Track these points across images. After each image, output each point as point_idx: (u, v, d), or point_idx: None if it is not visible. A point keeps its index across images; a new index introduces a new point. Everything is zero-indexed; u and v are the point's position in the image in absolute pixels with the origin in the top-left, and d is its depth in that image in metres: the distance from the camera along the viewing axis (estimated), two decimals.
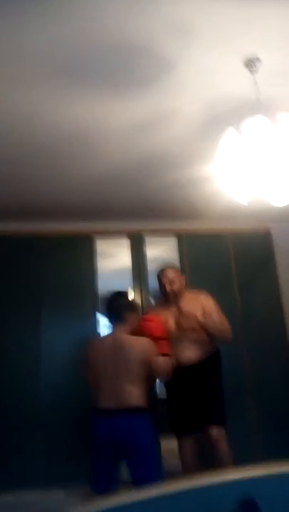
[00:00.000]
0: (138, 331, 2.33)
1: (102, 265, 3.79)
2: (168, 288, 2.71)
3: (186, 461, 2.52)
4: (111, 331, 2.38)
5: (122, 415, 2.07)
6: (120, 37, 1.77)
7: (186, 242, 3.89)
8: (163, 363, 2.22)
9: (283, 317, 3.85)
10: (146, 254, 3.82)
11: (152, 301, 3.80)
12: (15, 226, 3.68)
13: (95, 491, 2.10)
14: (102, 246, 3.81)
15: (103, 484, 2.10)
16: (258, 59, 1.94)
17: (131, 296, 2.75)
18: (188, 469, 2.48)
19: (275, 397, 3.58)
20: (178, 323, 2.65)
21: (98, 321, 3.62)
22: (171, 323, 2.64)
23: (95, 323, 3.58)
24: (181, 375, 2.50)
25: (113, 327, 2.37)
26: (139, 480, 2.06)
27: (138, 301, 3.71)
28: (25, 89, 2.06)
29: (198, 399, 2.53)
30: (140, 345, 2.23)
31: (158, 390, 2.99)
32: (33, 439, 3.26)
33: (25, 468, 3.20)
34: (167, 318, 2.65)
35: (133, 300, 2.60)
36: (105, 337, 2.41)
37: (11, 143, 2.53)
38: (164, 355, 2.27)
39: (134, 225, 3.91)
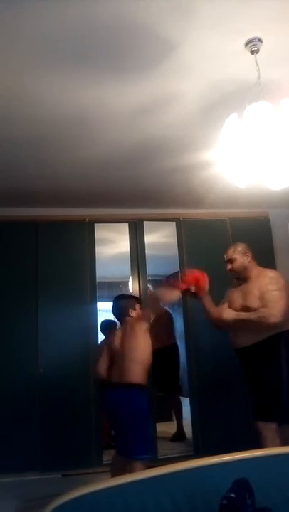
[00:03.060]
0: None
1: (101, 251, 3.79)
2: (227, 267, 2.67)
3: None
4: (121, 326, 2.69)
5: (117, 389, 2.39)
6: (120, 18, 1.73)
7: (185, 228, 3.88)
8: (166, 291, 2.56)
9: None
10: (144, 240, 3.82)
11: (150, 287, 3.81)
12: (13, 212, 3.67)
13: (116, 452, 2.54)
14: (100, 232, 3.80)
15: (119, 448, 2.49)
16: (259, 40, 1.90)
17: (128, 294, 2.91)
18: None
19: None
20: (241, 304, 2.59)
21: (96, 307, 3.64)
22: (237, 302, 2.59)
23: (93, 309, 3.60)
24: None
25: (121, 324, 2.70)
26: (118, 448, 2.50)
27: (136, 286, 3.72)
28: (23, 72, 2.02)
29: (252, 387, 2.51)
30: (134, 327, 2.49)
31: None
32: (31, 424, 3.30)
33: (24, 452, 3.25)
34: (235, 298, 2.63)
35: (129, 299, 2.75)
36: (117, 330, 2.72)
37: (8, 127, 2.49)
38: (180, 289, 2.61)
39: (133, 211, 3.91)
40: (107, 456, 3.35)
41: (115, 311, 2.68)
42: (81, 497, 1.10)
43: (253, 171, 1.92)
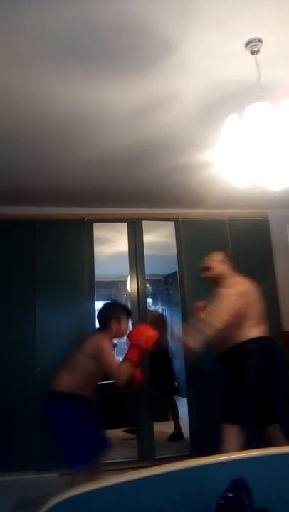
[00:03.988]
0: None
1: (100, 250, 3.79)
2: (202, 275, 2.71)
3: None
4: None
5: (49, 397, 2.34)
6: (121, 17, 1.73)
7: (184, 228, 3.88)
8: (115, 366, 2.27)
9: (278, 302, 3.90)
10: (143, 240, 3.82)
11: (149, 287, 3.82)
12: (12, 210, 3.66)
13: None
14: (99, 231, 3.80)
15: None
16: (259, 40, 1.90)
17: (118, 305, 2.71)
18: None
19: None
20: None
21: (95, 306, 3.63)
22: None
23: (91, 308, 3.59)
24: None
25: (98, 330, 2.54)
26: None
27: (134, 285, 3.72)
28: (24, 70, 2.02)
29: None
30: (92, 341, 2.40)
31: None
32: (28, 422, 3.29)
33: (21, 451, 3.24)
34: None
35: (119, 308, 2.56)
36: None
37: (8, 125, 2.49)
38: (128, 360, 2.30)
39: (131, 211, 3.91)
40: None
41: (99, 314, 2.55)
42: (78, 496, 1.10)
43: (252, 172, 1.92)
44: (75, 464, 2.21)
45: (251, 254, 3.90)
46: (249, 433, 2.30)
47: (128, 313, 2.57)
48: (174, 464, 1.17)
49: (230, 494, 0.95)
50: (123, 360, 2.32)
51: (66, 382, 2.32)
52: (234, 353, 2.46)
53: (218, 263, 2.69)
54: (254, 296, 2.54)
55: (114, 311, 2.52)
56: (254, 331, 2.46)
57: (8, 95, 2.21)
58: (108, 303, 2.73)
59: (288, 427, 2.48)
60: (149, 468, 1.18)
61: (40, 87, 2.16)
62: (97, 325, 2.53)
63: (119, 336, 2.48)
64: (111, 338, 2.42)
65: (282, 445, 2.24)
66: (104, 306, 2.61)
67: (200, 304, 2.78)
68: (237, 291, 2.49)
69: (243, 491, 0.96)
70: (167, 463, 1.17)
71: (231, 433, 2.29)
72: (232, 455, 1.16)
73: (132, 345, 2.34)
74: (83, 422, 2.31)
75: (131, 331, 2.51)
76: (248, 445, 2.13)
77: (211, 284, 2.68)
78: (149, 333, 2.37)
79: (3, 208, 3.64)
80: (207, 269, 2.70)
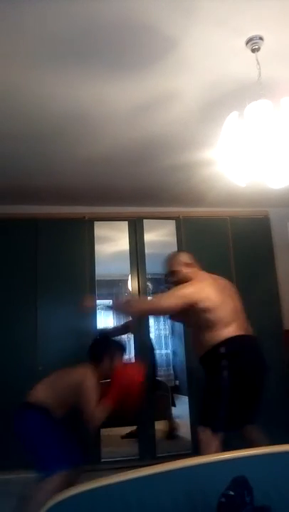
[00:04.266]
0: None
1: (101, 249, 3.79)
2: (169, 280, 2.57)
3: None
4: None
5: (20, 408, 2.31)
6: (122, 15, 1.73)
7: (185, 226, 3.88)
8: (92, 406, 2.19)
9: (279, 300, 3.89)
10: (144, 238, 3.81)
11: (150, 286, 3.81)
12: (13, 209, 3.66)
13: None
14: (100, 230, 3.79)
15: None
16: (260, 38, 1.90)
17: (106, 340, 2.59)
18: None
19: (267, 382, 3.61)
20: None
21: (96, 306, 3.63)
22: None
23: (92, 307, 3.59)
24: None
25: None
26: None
27: (135, 284, 3.72)
28: (25, 69, 2.02)
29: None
30: (79, 372, 2.32)
31: None
32: None
33: (23, 450, 3.25)
34: None
35: (110, 346, 2.48)
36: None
37: (9, 123, 2.49)
38: (107, 403, 2.22)
39: (132, 209, 3.91)
40: (106, 454, 3.36)
41: (93, 348, 2.46)
42: (80, 494, 1.10)
43: (253, 170, 1.92)
44: (47, 468, 2.14)
45: (252, 252, 3.89)
46: (225, 435, 2.27)
47: (123, 352, 2.47)
48: (175, 462, 1.18)
49: (231, 492, 0.95)
50: (102, 400, 2.21)
51: (40, 396, 2.28)
52: (210, 355, 2.38)
53: (183, 266, 2.54)
54: (224, 293, 2.43)
55: (109, 347, 2.43)
56: (226, 331, 2.34)
57: (10, 94, 2.21)
58: (104, 337, 2.61)
59: (288, 427, 2.48)
60: (151, 467, 1.18)
61: (42, 86, 2.16)
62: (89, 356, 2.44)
63: (108, 374, 2.36)
64: (99, 375, 2.33)
65: (263, 445, 2.22)
66: (100, 341, 2.51)
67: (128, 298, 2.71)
68: (196, 287, 2.40)
69: (244, 489, 0.96)
70: (168, 461, 1.17)
71: (205, 436, 2.27)
72: (233, 453, 1.17)
73: (116, 387, 2.22)
74: (54, 432, 2.24)
75: (119, 371, 2.34)
76: (228, 446, 2.10)
77: None
78: (138, 379, 2.25)
79: (5, 206, 3.64)
80: (171, 274, 2.55)
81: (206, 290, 2.39)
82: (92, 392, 2.22)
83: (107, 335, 2.64)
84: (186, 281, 2.45)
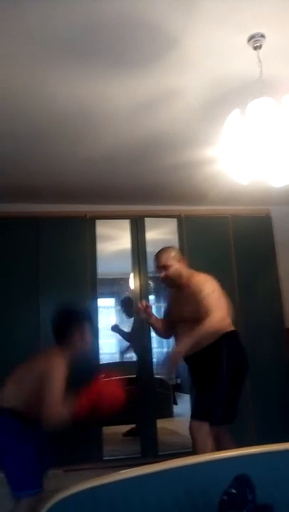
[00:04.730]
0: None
1: (102, 248, 3.79)
2: (160, 275, 2.55)
3: None
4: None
5: None
6: (124, 13, 1.72)
7: (187, 225, 3.87)
8: (55, 398, 1.89)
9: (281, 299, 3.89)
10: (145, 237, 3.81)
11: (151, 284, 3.81)
12: (14, 207, 3.66)
13: None
14: (101, 228, 3.79)
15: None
16: (262, 36, 1.89)
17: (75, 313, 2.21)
18: None
19: (269, 380, 3.62)
20: (175, 312, 2.58)
21: (97, 304, 3.64)
22: (175, 315, 2.56)
23: (94, 306, 3.59)
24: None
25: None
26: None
27: (137, 282, 3.72)
28: (27, 67, 2.01)
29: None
30: (45, 359, 2.05)
31: None
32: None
33: None
34: (173, 311, 2.60)
35: (76, 318, 2.14)
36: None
37: (10, 122, 2.49)
38: (77, 406, 1.91)
39: (134, 208, 3.90)
40: (108, 452, 3.37)
41: (56, 326, 2.13)
42: (82, 492, 1.10)
43: (255, 168, 1.91)
44: (18, 488, 1.90)
45: (254, 250, 3.89)
46: (217, 430, 2.29)
47: (90, 320, 2.18)
48: (176, 460, 1.18)
49: (233, 490, 0.95)
50: (71, 399, 1.91)
51: (10, 398, 1.99)
52: (211, 350, 2.36)
53: (175, 261, 2.53)
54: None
55: (75, 320, 2.11)
56: (227, 324, 2.40)
57: (11, 93, 2.21)
58: (66, 310, 2.20)
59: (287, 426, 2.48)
60: (152, 465, 1.18)
61: (43, 85, 2.16)
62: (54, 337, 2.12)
63: (81, 350, 2.10)
64: (70, 356, 2.04)
65: (231, 448, 2.16)
66: (62, 315, 2.15)
67: (143, 303, 2.67)
68: (215, 286, 2.41)
69: (247, 487, 0.96)
70: (170, 459, 1.17)
71: (200, 434, 2.26)
72: (235, 451, 1.17)
73: (91, 397, 1.94)
74: (28, 441, 1.97)
75: (100, 384, 2.05)
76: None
77: (167, 285, 2.59)
78: (117, 400, 2.01)
79: (6, 205, 3.63)
80: (164, 267, 2.52)
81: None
82: (58, 382, 1.92)
83: (67, 307, 2.24)
84: (178, 276, 2.51)
